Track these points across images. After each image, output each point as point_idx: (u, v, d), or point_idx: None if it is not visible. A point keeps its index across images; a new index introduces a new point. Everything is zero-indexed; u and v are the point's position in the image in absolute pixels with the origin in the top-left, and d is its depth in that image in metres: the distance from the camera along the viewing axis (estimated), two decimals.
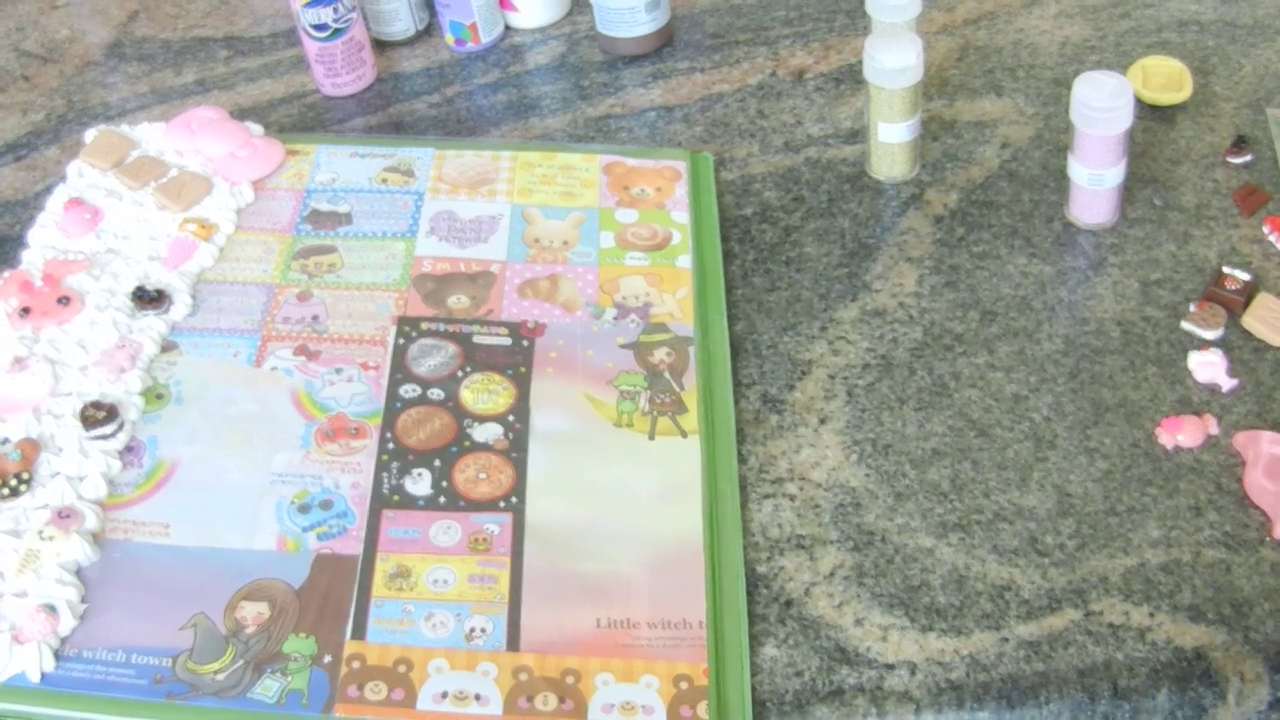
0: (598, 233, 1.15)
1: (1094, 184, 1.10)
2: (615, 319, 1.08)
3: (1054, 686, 0.84)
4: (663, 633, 0.87)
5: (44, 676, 0.85)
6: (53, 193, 1.20)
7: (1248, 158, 1.17)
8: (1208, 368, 1.00)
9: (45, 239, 1.14)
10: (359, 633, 0.87)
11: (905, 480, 0.96)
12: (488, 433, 0.99)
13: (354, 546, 0.92)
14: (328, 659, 0.86)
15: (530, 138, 1.30)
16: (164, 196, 1.17)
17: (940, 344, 1.05)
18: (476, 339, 1.06)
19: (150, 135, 1.25)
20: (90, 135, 1.25)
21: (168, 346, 1.06)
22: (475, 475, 0.96)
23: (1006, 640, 0.86)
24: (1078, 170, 1.10)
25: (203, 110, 1.27)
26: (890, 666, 0.86)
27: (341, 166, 1.23)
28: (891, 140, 1.17)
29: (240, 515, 0.94)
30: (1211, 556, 0.90)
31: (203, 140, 1.23)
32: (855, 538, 0.93)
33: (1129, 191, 1.15)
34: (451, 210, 1.17)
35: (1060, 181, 1.17)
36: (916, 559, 0.92)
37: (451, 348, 1.05)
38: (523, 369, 1.04)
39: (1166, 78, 1.24)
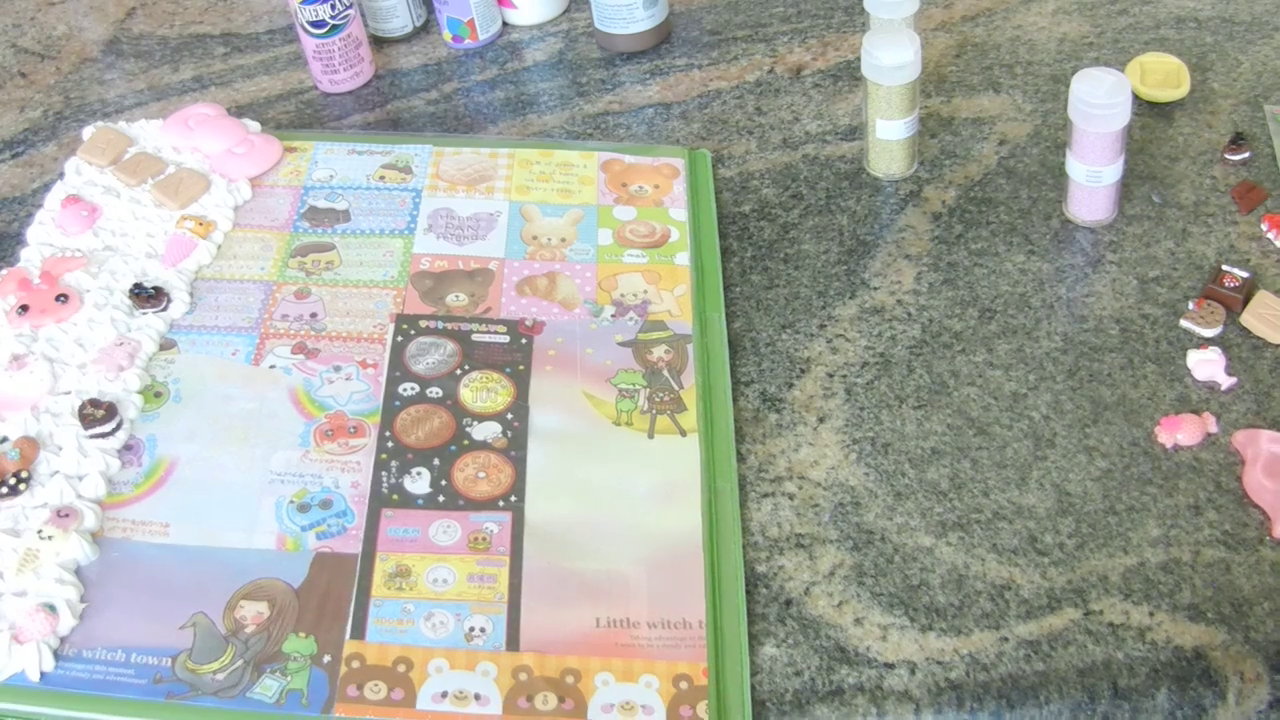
0: (596, 230, 1.15)
1: (1092, 181, 1.10)
2: (613, 317, 1.08)
3: (1054, 686, 0.84)
4: (662, 632, 0.87)
5: (43, 676, 0.85)
6: (50, 190, 1.20)
7: (1245, 155, 1.17)
8: (1206, 366, 1.01)
9: (43, 236, 1.14)
10: (358, 632, 0.87)
11: (904, 479, 0.96)
12: (487, 431, 0.99)
13: (353, 545, 0.92)
14: (327, 658, 0.86)
15: (528, 135, 1.30)
16: (161, 193, 1.17)
17: (939, 342, 1.05)
18: (475, 337, 1.06)
19: (148, 132, 1.25)
20: (88, 132, 1.25)
21: (166, 344, 1.06)
22: (474, 474, 0.96)
23: (1006, 640, 0.87)
24: (1076, 167, 1.10)
25: (200, 107, 1.26)
26: (890, 666, 0.86)
27: (339, 163, 1.23)
28: (889, 137, 1.17)
29: (239, 514, 0.94)
30: (1211, 555, 0.90)
31: (200, 137, 1.23)
32: (854, 537, 0.93)
33: (1127, 188, 1.15)
34: (449, 207, 1.17)
35: (1058, 178, 1.17)
36: (916, 558, 0.92)
37: (450, 346, 1.05)
38: (521, 367, 1.03)
39: (1164, 74, 1.24)
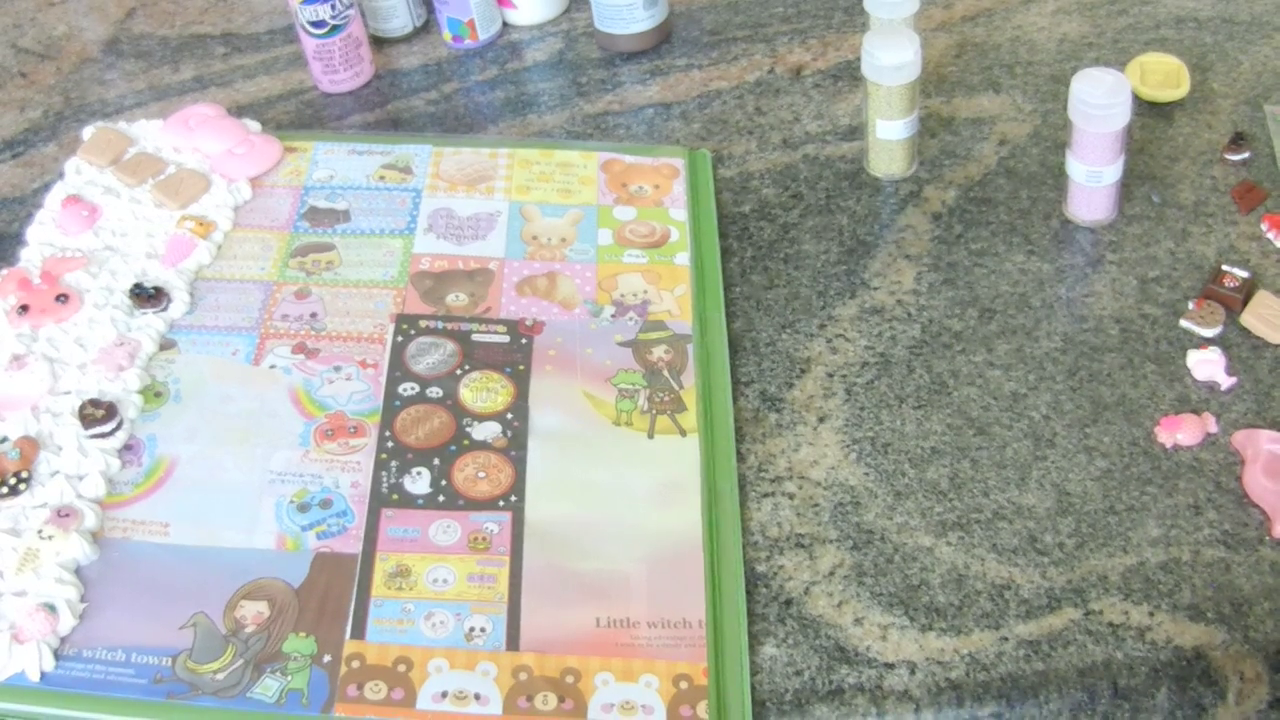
0: (596, 230, 1.15)
1: (1092, 181, 1.10)
2: (613, 316, 1.08)
3: (1054, 686, 0.84)
4: (662, 632, 0.87)
5: (44, 676, 0.85)
6: (51, 190, 1.20)
7: (1245, 155, 1.17)
8: (1206, 366, 1.01)
9: (43, 236, 1.14)
10: (358, 632, 0.87)
11: (904, 479, 0.96)
12: (487, 431, 0.99)
13: (353, 545, 0.92)
14: (327, 658, 0.86)
15: (528, 135, 1.30)
16: (161, 194, 1.17)
17: (939, 342, 1.05)
18: (475, 337, 1.06)
19: (148, 132, 1.25)
20: (88, 132, 1.25)
21: (166, 344, 1.06)
22: (474, 474, 0.96)
23: (1006, 639, 0.87)
24: (1076, 167, 1.10)
25: (200, 107, 1.26)
26: (890, 666, 0.86)
27: (339, 163, 1.23)
28: (889, 137, 1.17)
29: (239, 514, 0.94)
30: (1211, 555, 0.90)
31: (200, 137, 1.23)
32: (854, 537, 0.93)
33: (1127, 188, 1.15)
34: (449, 207, 1.17)
35: (1058, 178, 1.17)
36: (916, 558, 0.92)
37: (450, 345, 1.05)
38: (521, 367, 1.03)
39: (1164, 74, 1.24)
